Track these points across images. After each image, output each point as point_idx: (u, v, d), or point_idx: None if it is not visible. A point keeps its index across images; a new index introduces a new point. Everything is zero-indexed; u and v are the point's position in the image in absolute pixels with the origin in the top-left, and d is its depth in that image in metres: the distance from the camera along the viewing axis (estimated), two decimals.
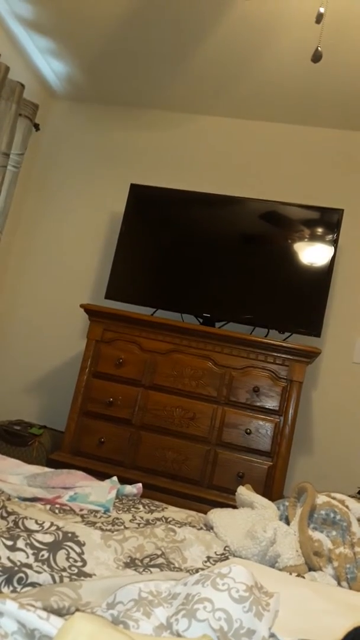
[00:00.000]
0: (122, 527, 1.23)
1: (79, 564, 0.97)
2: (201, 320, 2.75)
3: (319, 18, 1.65)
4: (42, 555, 0.94)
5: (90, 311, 2.63)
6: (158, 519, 1.34)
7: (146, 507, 1.44)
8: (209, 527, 1.39)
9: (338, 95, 2.75)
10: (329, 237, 2.66)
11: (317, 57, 1.69)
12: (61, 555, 0.96)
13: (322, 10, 1.64)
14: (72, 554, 0.98)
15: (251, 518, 1.37)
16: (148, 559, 1.08)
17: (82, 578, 0.93)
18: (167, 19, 2.45)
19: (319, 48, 1.68)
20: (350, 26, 2.26)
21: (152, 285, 2.83)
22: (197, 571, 1.09)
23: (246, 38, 2.47)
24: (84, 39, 2.74)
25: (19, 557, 0.91)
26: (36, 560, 0.92)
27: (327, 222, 2.68)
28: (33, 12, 2.60)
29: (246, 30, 2.42)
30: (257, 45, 2.50)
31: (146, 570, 1.02)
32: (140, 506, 1.44)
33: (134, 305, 2.92)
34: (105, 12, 2.50)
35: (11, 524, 1.07)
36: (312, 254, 2.67)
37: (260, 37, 2.44)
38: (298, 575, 1.17)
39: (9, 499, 1.27)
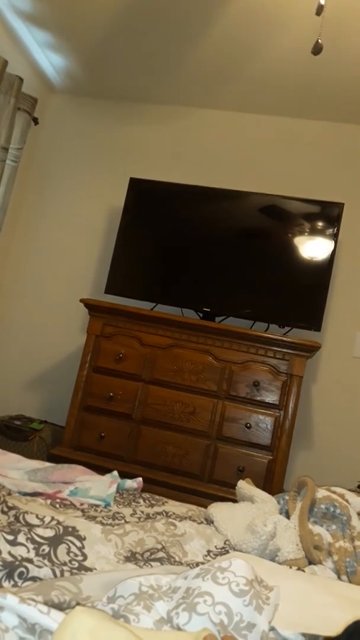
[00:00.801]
0: (123, 521, 1.24)
1: (80, 558, 0.97)
2: (201, 315, 2.75)
3: (319, 10, 1.64)
4: (43, 550, 0.94)
5: (90, 306, 2.63)
6: (158, 513, 1.34)
7: (146, 501, 1.45)
8: (209, 521, 1.39)
9: (338, 88, 2.74)
10: (329, 231, 2.65)
11: (317, 50, 1.68)
12: (62, 549, 0.96)
13: (322, 2, 1.63)
14: (73, 548, 0.98)
15: (251, 512, 1.37)
16: (148, 553, 1.08)
17: (83, 572, 0.93)
18: (166, 12, 2.44)
19: (319, 40, 1.67)
20: (351, 18, 2.25)
21: (152, 279, 2.82)
22: (197, 565, 1.09)
23: (245, 31, 2.45)
24: (83, 33, 2.72)
25: (20, 551, 0.91)
26: (37, 554, 0.92)
27: (327, 216, 2.67)
28: (32, 5, 2.58)
29: (245, 23, 2.40)
30: (257, 37, 2.48)
31: (147, 564, 1.02)
32: (141, 500, 1.45)
33: (134, 300, 2.92)
34: (104, 5, 2.48)
35: (12, 519, 1.07)
36: (312, 248, 2.66)
37: (259, 30, 2.43)
38: (298, 569, 1.18)
39: (9, 494, 1.28)
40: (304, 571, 1.18)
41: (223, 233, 2.77)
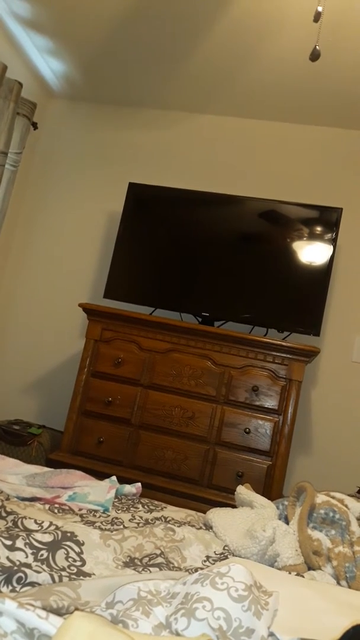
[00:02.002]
0: (121, 526, 1.23)
1: (78, 563, 0.97)
2: (200, 320, 2.75)
3: (317, 16, 1.65)
4: (42, 555, 0.94)
5: (89, 310, 2.63)
6: (157, 519, 1.34)
7: (145, 506, 1.44)
8: (208, 527, 1.39)
9: (336, 94, 2.75)
10: (328, 236, 2.66)
11: (315, 56, 1.69)
12: (60, 554, 0.96)
13: (320, 8, 1.64)
14: (71, 554, 0.98)
15: (250, 517, 1.37)
16: (147, 559, 1.08)
17: (81, 577, 0.93)
18: (165, 18, 2.45)
19: (317, 46, 1.68)
20: (349, 24, 2.26)
21: (151, 284, 2.83)
22: (196, 570, 1.09)
23: (244, 36, 2.47)
24: (82, 38, 2.73)
25: (18, 556, 0.91)
26: (35, 559, 0.92)
27: (326, 221, 2.68)
28: (31, 11, 2.59)
29: (244, 29, 2.42)
30: (255, 43, 2.50)
31: (145, 569, 1.02)
32: (140, 506, 1.44)
33: (133, 305, 2.92)
34: (103, 11, 2.50)
35: (10, 524, 1.07)
36: (311, 252, 2.67)
37: (258, 36, 2.44)
38: (297, 575, 1.17)
39: (8, 499, 1.27)
40: (303, 577, 1.17)
41: (222, 238, 2.77)
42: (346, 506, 1.38)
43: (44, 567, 0.91)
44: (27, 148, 3.13)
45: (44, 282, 3.28)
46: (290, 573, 1.17)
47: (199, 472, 2.40)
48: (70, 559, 0.96)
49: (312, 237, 2.68)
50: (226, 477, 2.37)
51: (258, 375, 2.45)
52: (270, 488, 2.33)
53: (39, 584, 0.85)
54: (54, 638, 0.62)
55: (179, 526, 1.27)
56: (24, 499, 1.34)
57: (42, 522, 1.07)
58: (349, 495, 1.46)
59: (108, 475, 1.80)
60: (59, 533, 1.01)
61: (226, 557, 1.22)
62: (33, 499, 1.36)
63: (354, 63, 2.48)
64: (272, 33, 2.41)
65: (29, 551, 0.93)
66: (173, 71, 2.86)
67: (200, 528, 1.35)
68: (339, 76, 2.60)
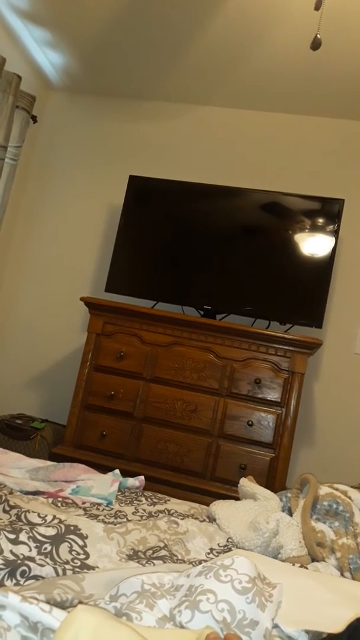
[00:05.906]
0: (125, 519, 1.23)
1: (82, 556, 0.97)
2: (202, 313, 2.74)
3: (318, 5, 1.63)
4: (45, 549, 0.94)
5: (91, 304, 2.62)
6: (160, 512, 1.34)
7: (149, 499, 1.45)
8: (211, 519, 1.39)
9: (338, 84, 2.73)
10: (330, 227, 2.64)
11: (316, 45, 1.67)
12: (64, 548, 0.96)
13: None
14: (75, 547, 0.98)
15: (254, 510, 1.37)
16: (151, 551, 1.08)
17: (85, 571, 0.93)
18: (165, 8, 2.43)
19: (318, 35, 1.66)
20: (350, 13, 2.24)
21: (153, 277, 2.82)
22: (200, 563, 1.09)
23: (244, 26, 2.44)
24: (81, 30, 2.71)
25: (22, 550, 0.91)
26: (39, 553, 0.92)
27: (327, 213, 2.66)
28: (29, 3, 2.57)
29: (244, 19, 2.39)
30: (256, 33, 2.47)
31: (149, 562, 1.02)
32: (143, 499, 1.44)
33: (135, 298, 2.91)
34: (102, 2, 2.48)
35: (14, 518, 1.07)
36: (313, 244, 2.65)
37: (258, 25, 2.42)
38: (301, 566, 1.18)
39: (11, 493, 1.27)
40: (307, 568, 1.17)
41: (223, 230, 2.76)
42: (349, 498, 1.38)
43: (48, 560, 0.91)
44: (27, 141, 3.11)
45: (45, 276, 3.27)
46: (294, 565, 1.17)
47: (202, 464, 2.40)
48: (73, 552, 0.97)
49: (314, 228, 2.66)
50: (229, 470, 2.38)
51: (260, 367, 2.45)
52: (274, 480, 2.33)
53: (43, 578, 0.85)
54: (58, 631, 0.62)
55: (182, 519, 1.27)
56: (27, 493, 1.34)
57: (46, 515, 1.08)
58: (352, 487, 1.46)
59: (111, 469, 1.80)
60: (63, 526, 1.01)
61: (230, 549, 1.22)
62: (36, 493, 1.36)
63: (356, 52, 2.46)
64: (272, 23, 2.38)
65: (32, 545, 0.93)
66: (173, 62, 2.84)
67: (204, 520, 1.35)
68: (340, 66, 2.57)
